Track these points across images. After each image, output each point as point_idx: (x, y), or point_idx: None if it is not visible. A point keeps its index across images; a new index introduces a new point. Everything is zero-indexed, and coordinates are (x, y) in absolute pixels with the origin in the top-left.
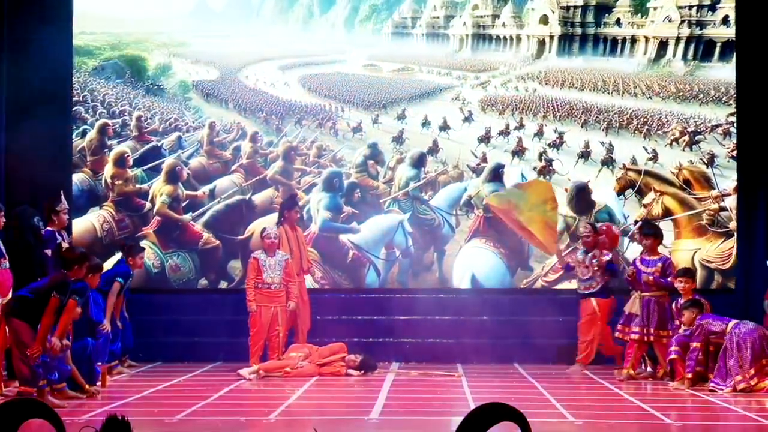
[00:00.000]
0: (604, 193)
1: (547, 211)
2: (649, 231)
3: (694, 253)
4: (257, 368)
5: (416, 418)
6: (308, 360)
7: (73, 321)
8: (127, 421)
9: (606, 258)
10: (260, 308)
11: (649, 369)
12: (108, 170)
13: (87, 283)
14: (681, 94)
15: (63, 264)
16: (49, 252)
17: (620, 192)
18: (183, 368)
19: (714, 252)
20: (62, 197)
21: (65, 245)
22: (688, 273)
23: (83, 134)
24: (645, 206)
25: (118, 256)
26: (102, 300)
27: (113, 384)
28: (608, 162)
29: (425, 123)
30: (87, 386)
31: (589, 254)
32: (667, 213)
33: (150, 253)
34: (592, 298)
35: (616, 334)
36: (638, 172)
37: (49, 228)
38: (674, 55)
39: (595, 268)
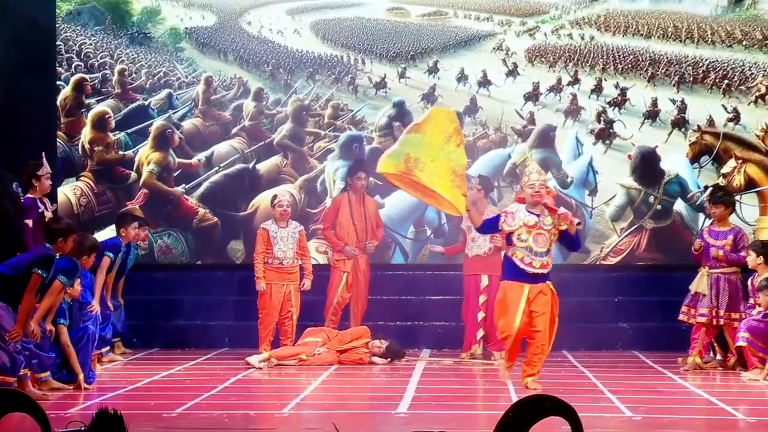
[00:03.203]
0: (675, 160)
1: (451, 153)
2: (719, 198)
3: None
4: (268, 355)
5: (450, 413)
6: (326, 346)
7: (71, 304)
8: (120, 415)
9: (577, 223)
10: (270, 286)
11: (718, 357)
12: (86, 134)
13: (78, 261)
14: None
15: (46, 236)
16: (30, 222)
17: (694, 159)
18: (183, 355)
19: None
20: (44, 160)
21: (48, 214)
22: (762, 246)
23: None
24: (724, 176)
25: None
26: (90, 278)
27: (104, 373)
28: (680, 123)
29: (461, 77)
30: (80, 376)
31: (542, 216)
32: (750, 184)
33: None
34: (549, 283)
35: (681, 316)
36: (716, 135)
37: (29, 195)
38: None
39: (553, 237)
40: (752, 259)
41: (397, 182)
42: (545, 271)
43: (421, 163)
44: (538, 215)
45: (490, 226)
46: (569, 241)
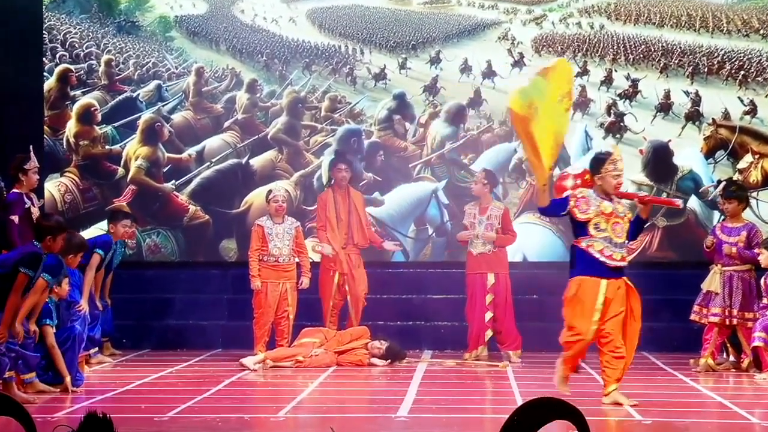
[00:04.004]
0: (688, 155)
1: (560, 116)
2: (732, 193)
3: None
4: (263, 357)
5: (452, 416)
6: (324, 347)
7: (58, 303)
8: (109, 419)
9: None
10: (266, 285)
11: (731, 358)
12: (71, 128)
13: (65, 260)
14: None
15: (35, 234)
16: (15, 218)
17: (709, 154)
18: (175, 357)
19: None
20: (32, 154)
21: (35, 210)
22: None
23: None
24: (740, 171)
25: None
26: (78, 276)
27: (92, 375)
28: (694, 116)
29: (465, 68)
30: (67, 378)
31: (614, 202)
32: (767, 180)
33: None
34: (626, 279)
35: (692, 316)
36: (732, 129)
37: (15, 190)
38: None
39: (627, 226)
40: (765, 257)
41: (517, 124)
42: (625, 264)
43: (538, 114)
44: (611, 201)
45: (557, 207)
46: (637, 226)
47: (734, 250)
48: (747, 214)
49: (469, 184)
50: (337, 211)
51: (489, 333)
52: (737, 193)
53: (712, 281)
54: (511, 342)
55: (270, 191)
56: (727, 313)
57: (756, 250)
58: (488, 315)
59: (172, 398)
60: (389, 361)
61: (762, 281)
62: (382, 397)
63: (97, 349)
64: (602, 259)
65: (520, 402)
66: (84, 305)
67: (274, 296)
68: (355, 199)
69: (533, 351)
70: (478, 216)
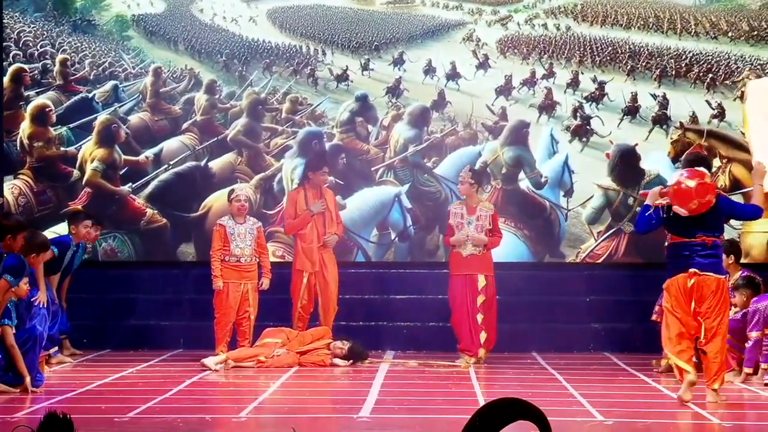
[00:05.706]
0: (655, 159)
1: None
2: None
3: None
4: (225, 357)
5: (414, 417)
6: (286, 347)
7: (17, 303)
8: (69, 419)
9: None
10: (227, 285)
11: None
12: (25, 129)
13: (27, 260)
14: (755, 33)
15: None
16: None
17: (676, 158)
18: (136, 357)
19: None
20: None
21: None
22: (731, 245)
23: None
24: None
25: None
26: (34, 271)
27: (52, 376)
28: (661, 120)
29: (428, 70)
30: (27, 379)
31: None
32: (736, 185)
33: None
34: None
35: (654, 316)
36: (699, 132)
37: None
38: None
39: None
40: (724, 260)
41: None
42: None
43: None
44: None
45: None
46: None
47: None
48: None
49: (432, 188)
50: (309, 209)
51: (484, 335)
52: None
53: None
54: (488, 342)
55: (232, 190)
56: None
57: None
58: (480, 317)
59: (132, 398)
60: (351, 361)
61: None
62: (345, 398)
63: (57, 348)
64: None
65: (482, 402)
66: (42, 297)
67: (235, 296)
68: (327, 197)
69: (496, 351)
70: (466, 216)
